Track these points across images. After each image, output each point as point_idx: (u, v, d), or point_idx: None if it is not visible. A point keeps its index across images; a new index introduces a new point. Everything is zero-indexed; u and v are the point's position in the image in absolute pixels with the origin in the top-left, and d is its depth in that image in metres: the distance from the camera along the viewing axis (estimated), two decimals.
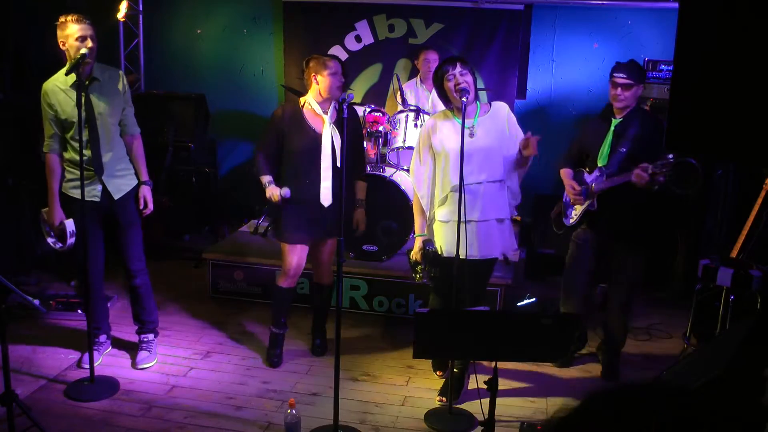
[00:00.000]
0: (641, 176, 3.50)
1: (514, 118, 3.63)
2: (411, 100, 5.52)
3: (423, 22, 6.06)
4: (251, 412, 3.62)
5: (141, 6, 6.25)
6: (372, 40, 6.22)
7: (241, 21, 6.55)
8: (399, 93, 5.47)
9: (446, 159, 3.52)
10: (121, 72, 3.92)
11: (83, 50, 3.52)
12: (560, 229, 4.11)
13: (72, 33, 3.59)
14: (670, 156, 3.41)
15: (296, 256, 3.99)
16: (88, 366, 3.81)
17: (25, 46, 5.60)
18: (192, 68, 6.59)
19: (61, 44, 3.63)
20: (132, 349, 4.24)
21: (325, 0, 6.23)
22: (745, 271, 3.77)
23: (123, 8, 5.91)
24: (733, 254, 4.16)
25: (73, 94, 3.60)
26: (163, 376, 3.96)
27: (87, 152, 3.69)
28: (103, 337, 4.16)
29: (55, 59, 5.77)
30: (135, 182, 3.95)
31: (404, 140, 5.03)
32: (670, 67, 5.27)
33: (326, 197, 3.89)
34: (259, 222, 5.66)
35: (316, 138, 3.84)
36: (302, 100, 3.94)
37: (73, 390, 3.72)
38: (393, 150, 5.14)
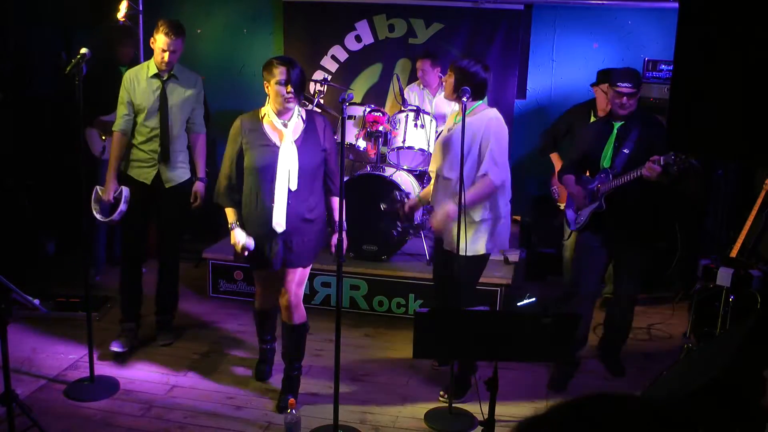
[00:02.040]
0: (653, 169, 3.50)
1: (495, 129, 3.57)
2: (413, 102, 5.52)
3: (423, 22, 6.06)
4: (251, 412, 3.62)
5: (141, 6, 6.23)
6: (372, 40, 6.21)
7: (241, 21, 6.54)
8: (399, 93, 5.46)
9: (435, 146, 3.90)
10: (198, 76, 4.26)
11: (83, 50, 3.56)
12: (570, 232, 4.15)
13: (159, 41, 3.97)
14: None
15: (260, 281, 3.74)
16: (115, 349, 4.09)
17: (25, 46, 5.60)
18: (192, 68, 6.57)
19: (150, 42, 4.04)
20: (132, 348, 4.25)
21: (325, 0, 6.23)
22: (745, 271, 3.77)
23: (123, 8, 5.90)
24: (733, 254, 4.16)
25: (153, 84, 4.05)
26: (163, 375, 3.96)
27: (153, 143, 4.07)
28: (131, 325, 4.27)
29: (55, 59, 5.79)
30: (188, 176, 4.25)
31: (404, 140, 5.02)
32: (670, 67, 5.27)
33: (279, 222, 3.41)
34: None
35: (275, 153, 3.40)
36: (262, 111, 3.49)
37: (73, 390, 3.73)
38: (393, 150, 5.13)
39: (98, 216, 4.06)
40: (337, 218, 3.44)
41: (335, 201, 3.54)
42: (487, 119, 3.61)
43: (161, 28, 3.95)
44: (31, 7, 5.62)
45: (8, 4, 5.42)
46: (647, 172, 3.54)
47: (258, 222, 3.47)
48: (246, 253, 3.48)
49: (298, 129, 3.46)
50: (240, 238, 3.46)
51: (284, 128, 3.41)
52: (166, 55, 3.97)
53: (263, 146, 3.43)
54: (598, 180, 3.86)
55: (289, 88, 3.31)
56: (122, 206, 4.00)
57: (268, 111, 3.45)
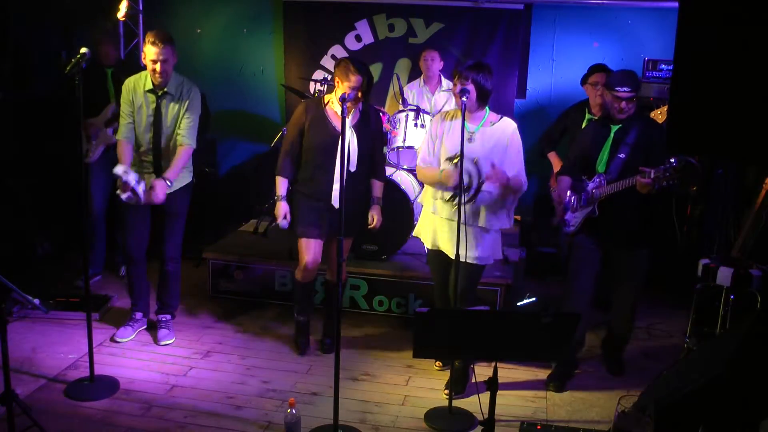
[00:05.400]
0: (642, 182, 3.51)
1: (518, 141, 3.70)
2: (412, 101, 5.53)
3: (423, 21, 6.06)
4: (251, 411, 3.62)
5: (141, 6, 6.24)
6: (372, 40, 6.22)
7: (241, 20, 6.54)
8: (399, 93, 5.47)
9: (440, 152, 3.73)
10: (195, 88, 4.15)
11: (83, 49, 3.56)
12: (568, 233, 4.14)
13: (148, 53, 3.95)
14: (673, 160, 3.41)
15: (311, 250, 4.00)
16: (121, 340, 4.30)
17: (25, 46, 5.60)
18: (192, 68, 6.59)
19: (142, 57, 4.06)
20: (132, 348, 4.26)
21: (326, 0, 6.23)
22: (745, 270, 3.77)
23: (123, 8, 5.90)
24: (734, 254, 4.16)
25: (149, 98, 4.05)
26: (163, 375, 3.96)
27: (147, 155, 4.12)
28: (139, 315, 4.46)
29: (55, 59, 5.79)
30: (187, 181, 4.26)
31: (404, 140, 5.03)
32: (670, 67, 5.27)
33: (336, 199, 3.89)
34: (259, 221, 5.65)
35: (336, 138, 3.78)
36: (327, 97, 3.96)
37: (73, 389, 3.73)
38: (393, 150, 5.14)
39: (124, 196, 3.92)
40: (377, 195, 4.09)
41: (376, 183, 4.11)
42: (512, 131, 3.68)
43: (147, 39, 3.94)
44: (31, 7, 5.62)
45: (8, 4, 5.42)
46: (638, 187, 3.55)
47: (316, 196, 3.94)
48: (283, 222, 3.96)
49: (354, 119, 3.91)
50: (280, 213, 3.97)
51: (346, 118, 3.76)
52: (158, 65, 3.93)
53: (325, 129, 3.88)
54: (593, 185, 3.84)
55: (359, 95, 3.79)
56: (140, 190, 3.90)
57: (333, 99, 3.89)
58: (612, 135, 3.81)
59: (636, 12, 5.79)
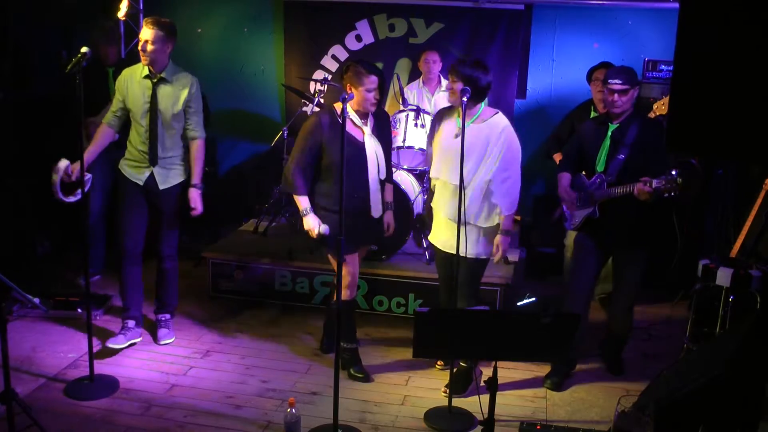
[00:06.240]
0: (643, 191, 3.54)
1: (510, 139, 3.64)
2: (412, 101, 5.53)
3: (423, 21, 6.06)
4: (251, 411, 3.62)
5: (141, 5, 6.24)
6: (372, 40, 6.22)
7: (242, 20, 6.54)
8: (399, 93, 5.47)
9: (436, 151, 3.80)
10: (193, 79, 4.17)
11: (84, 49, 3.56)
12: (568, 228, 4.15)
13: (141, 35, 3.99)
14: (674, 171, 3.42)
15: (349, 266, 3.86)
16: (112, 346, 4.08)
17: (25, 46, 5.60)
18: (192, 67, 6.57)
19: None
20: (132, 347, 4.25)
21: None
22: (745, 270, 3.77)
23: (123, 7, 5.90)
24: (733, 254, 4.16)
25: (144, 85, 4.03)
26: (163, 375, 3.96)
27: (145, 145, 4.06)
28: (131, 323, 4.24)
29: (55, 59, 5.79)
30: (183, 178, 4.21)
31: (404, 140, 5.03)
32: (670, 67, 5.28)
33: (377, 209, 3.85)
34: (259, 221, 5.65)
35: (359, 147, 3.72)
36: (338, 106, 3.71)
37: (73, 389, 3.73)
38: (393, 149, 5.12)
39: (55, 189, 3.89)
40: (389, 199, 3.99)
41: (386, 186, 3.98)
42: (501, 128, 3.63)
43: (145, 21, 3.99)
44: (31, 7, 5.62)
45: (8, 4, 5.42)
46: (636, 193, 3.57)
47: (351, 212, 3.67)
48: (320, 234, 3.72)
49: (370, 124, 3.81)
50: (314, 224, 3.75)
51: (364, 126, 3.76)
52: (142, 44, 3.96)
53: (348, 141, 3.58)
54: (593, 185, 3.84)
55: (377, 95, 3.66)
56: (82, 189, 3.81)
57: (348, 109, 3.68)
58: (609, 134, 3.79)
59: (636, 12, 5.79)
